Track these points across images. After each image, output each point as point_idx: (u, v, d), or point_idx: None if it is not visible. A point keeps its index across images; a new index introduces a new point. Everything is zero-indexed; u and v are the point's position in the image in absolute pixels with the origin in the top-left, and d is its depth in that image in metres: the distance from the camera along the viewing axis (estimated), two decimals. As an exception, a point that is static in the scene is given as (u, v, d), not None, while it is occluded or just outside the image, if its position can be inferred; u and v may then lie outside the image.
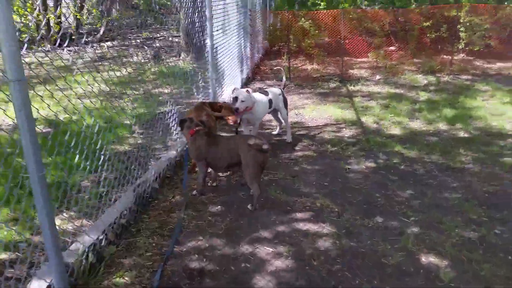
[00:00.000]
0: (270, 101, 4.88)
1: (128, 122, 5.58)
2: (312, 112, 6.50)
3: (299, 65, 10.15)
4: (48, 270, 2.22)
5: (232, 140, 3.59)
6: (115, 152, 4.63)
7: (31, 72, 7.26)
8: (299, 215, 3.39)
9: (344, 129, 5.68)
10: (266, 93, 4.92)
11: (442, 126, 5.70)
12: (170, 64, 9.20)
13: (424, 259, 2.83)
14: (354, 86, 8.16)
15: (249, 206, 3.49)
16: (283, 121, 5.28)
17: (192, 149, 3.63)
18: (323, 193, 3.76)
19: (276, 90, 5.13)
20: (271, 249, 2.93)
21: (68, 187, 3.38)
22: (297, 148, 4.97)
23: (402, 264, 2.78)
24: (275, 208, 3.51)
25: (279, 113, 5.23)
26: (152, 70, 9.16)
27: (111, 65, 9.46)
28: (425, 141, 5.10)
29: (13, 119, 2.01)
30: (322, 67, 9.83)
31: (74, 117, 5.54)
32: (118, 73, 6.39)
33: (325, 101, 7.13)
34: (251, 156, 3.37)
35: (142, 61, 10.06)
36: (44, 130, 5.23)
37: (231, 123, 4.98)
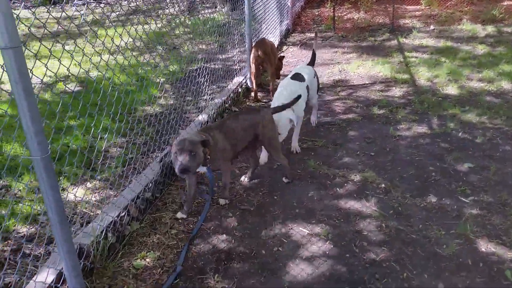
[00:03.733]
0: (307, 87, 3.69)
1: (160, 80, 5.31)
2: (357, 68, 5.93)
3: (344, 14, 9.34)
4: (57, 257, 2.04)
5: (244, 118, 2.96)
6: (145, 114, 4.40)
7: (60, 28, 7.16)
8: (340, 190, 3.05)
9: (393, 88, 5.11)
10: (301, 78, 3.67)
11: (506, 85, 4.98)
12: (205, 16, 8.73)
13: (485, 249, 2.43)
14: (405, 37, 7.37)
15: (284, 179, 3.17)
16: (313, 107, 4.09)
17: (218, 156, 2.76)
18: (369, 165, 3.37)
19: (309, 71, 3.84)
20: (306, 231, 2.63)
21: (94, 153, 3.21)
22: (339, 110, 4.52)
23: (459, 254, 2.40)
24: (313, 182, 3.18)
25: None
26: (187, 22, 8.74)
27: (146, 18, 9.14)
28: (486, 103, 4.47)
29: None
30: (370, 16, 8.99)
31: (107, 75, 5.36)
32: (152, 27, 6.04)
33: (373, 55, 6.48)
34: (270, 129, 2.99)
35: (177, 12, 9.61)
36: (75, 89, 5.08)
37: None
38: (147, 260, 2.40)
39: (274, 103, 3.39)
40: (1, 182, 3.15)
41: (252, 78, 4.82)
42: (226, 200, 2.92)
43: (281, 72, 5.18)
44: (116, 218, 2.42)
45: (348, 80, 5.49)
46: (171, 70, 5.02)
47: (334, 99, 4.85)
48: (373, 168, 3.31)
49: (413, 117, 4.23)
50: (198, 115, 4.00)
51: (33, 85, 1.72)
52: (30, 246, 2.43)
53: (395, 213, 2.77)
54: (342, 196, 2.97)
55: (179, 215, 2.80)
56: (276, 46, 5.98)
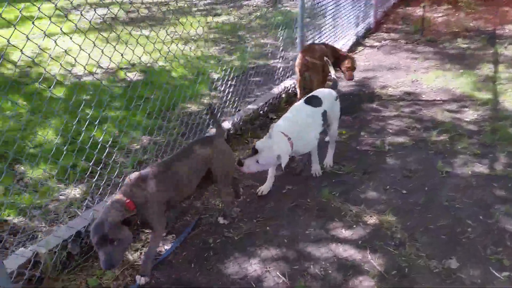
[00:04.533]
0: (323, 114, 3.06)
1: (216, 76, 5.17)
2: (434, 80, 5.16)
3: (440, 15, 8.26)
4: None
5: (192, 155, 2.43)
6: (182, 112, 4.30)
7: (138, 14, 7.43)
8: (345, 233, 2.61)
9: (467, 109, 4.33)
10: (317, 103, 3.05)
11: None
12: (286, 9, 8.41)
13: None
14: (505, 48, 6.24)
15: (220, 219, 2.71)
16: (329, 137, 3.38)
17: (150, 213, 2.20)
18: (394, 206, 2.84)
19: (329, 94, 3.20)
20: (283, 278, 2.27)
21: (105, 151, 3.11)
22: (390, 130, 3.94)
23: None
24: (319, 216, 2.78)
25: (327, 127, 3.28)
26: (267, 16, 8.52)
27: (230, 8, 9.14)
28: None
29: None
30: (470, 19, 7.82)
31: (168, 67, 5.40)
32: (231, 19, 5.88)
33: (458, 66, 5.60)
34: (223, 162, 2.54)
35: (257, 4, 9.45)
36: (135, 78, 5.14)
37: (347, 79, 4.52)
38: (104, 278, 2.27)
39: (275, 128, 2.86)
40: None
41: (297, 85, 4.45)
42: (145, 278, 2.21)
43: (353, 75, 4.58)
44: (82, 228, 2.34)
45: (418, 94, 4.80)
46: (231, 66, 4.76)
47: (391, 116, 4.26)
48: (397, 211, 2.78)
49: (475, 150, 3.50)
50: (223, 121, 3.77)
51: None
52: None
53: (398, 275, 2.26)
54: (344, 241, 2.54)
55: None
56: (341, 48, 5.46)
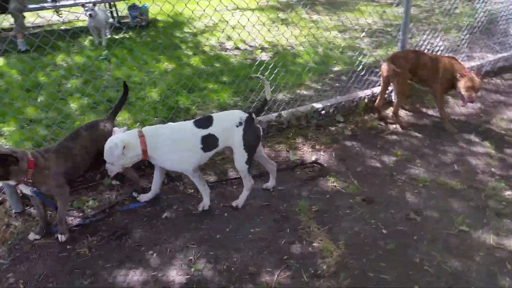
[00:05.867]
0: (207, 137, 2.67)
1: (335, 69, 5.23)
2: None
3: None
4: None
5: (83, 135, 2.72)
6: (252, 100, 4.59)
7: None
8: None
9: None
10: (204, 124, 2.67)
11: None
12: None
13: None
14: None
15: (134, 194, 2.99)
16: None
17: (50, 181, 2.52)
18: (353, 240, 2.61)
19: (230, 117, 2.74)
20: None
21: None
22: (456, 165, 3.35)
23: None
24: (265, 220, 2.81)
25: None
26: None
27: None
28: None
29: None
30: None
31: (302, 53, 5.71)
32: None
33: None
34: None
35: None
36: (264, 58, 5.64)
37: (465, 101, 3.73)
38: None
39: None
40: None
41: (380, 93, 4.16)
42: (63, 236, 2.56)
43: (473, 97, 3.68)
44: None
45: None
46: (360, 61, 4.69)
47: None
48: (353, 246, 2.56)
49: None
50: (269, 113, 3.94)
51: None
52: None
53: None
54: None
55: (31, 236, 2.63)
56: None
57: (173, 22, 7.65)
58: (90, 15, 6.41)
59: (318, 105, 4.08)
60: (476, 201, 2.98)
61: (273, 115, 3.88)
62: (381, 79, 4.07)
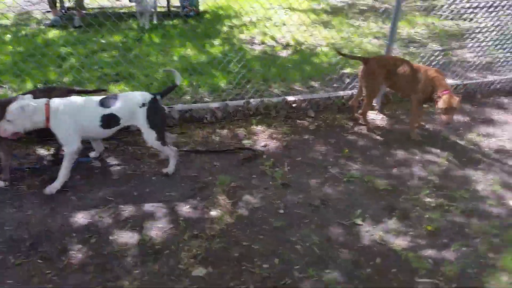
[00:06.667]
0: (109, 116, 2.95)
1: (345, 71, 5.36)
2: None
3: None
4: None
5: None
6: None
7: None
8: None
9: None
10: (109, 103, 2.95)
11: None
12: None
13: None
14: None
15: None
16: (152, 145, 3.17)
17: None
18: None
19: (133, 99, 3.02)
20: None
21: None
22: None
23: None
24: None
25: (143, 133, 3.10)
26: None
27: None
28: None
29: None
30: None
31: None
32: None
33: None
34: None
35: None
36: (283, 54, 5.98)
37: (442, 124, 3.76)
38: None
39: None
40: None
41: (357, 93, 4.26)
42: (3, 183, 3.00)
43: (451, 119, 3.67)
44: None
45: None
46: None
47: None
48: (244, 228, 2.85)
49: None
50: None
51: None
52: None
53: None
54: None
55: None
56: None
57: (219, 15, 8.22)
58: (137, 1, 7.19)
59: (290, 98, 4.31)
60: (390, 201, 3.06)
61: (241, 101, 4.19)
62: (358, 79, 4.17)
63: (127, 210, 2.88)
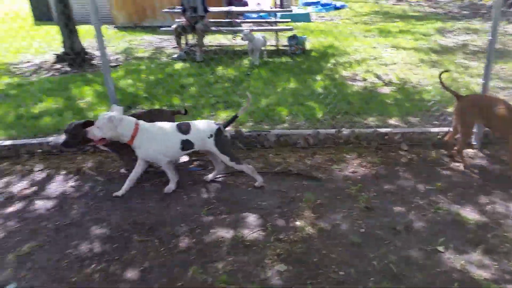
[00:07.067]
0: (185, 142, 3.49)
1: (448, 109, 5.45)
2: None
3: None
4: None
5: None
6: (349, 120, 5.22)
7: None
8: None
9: None
10: (185, 130, 3.51)
11: None
12: None
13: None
14: None
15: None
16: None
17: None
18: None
19: (203, 128, 3.52)
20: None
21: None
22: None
23: None
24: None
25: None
26: None
27: None
28: None
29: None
30: None
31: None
32: None
33: None
34: None
35: None
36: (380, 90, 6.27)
37: None
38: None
39: None
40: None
41: (453, 129, 4.28)
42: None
43: None
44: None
45: None
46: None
47: None
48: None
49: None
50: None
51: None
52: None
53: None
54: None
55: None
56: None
57: (326, 53, 8.77)
58: (248, 39, 8.08)
59: (382, 130, 4.51)
60: (477, 235, 3.05)
61: (333, 130, 4.51)
62: (453, 116, 4.22)
63: (225, 212, 3.36)
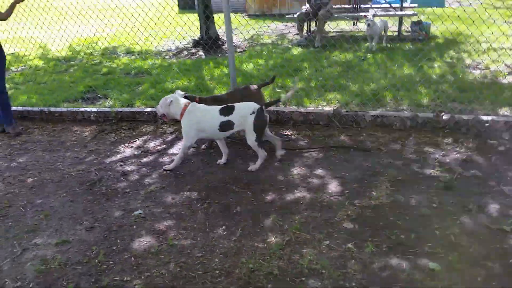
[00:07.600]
0: (226, 122, 3.89)
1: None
2: None
3: None
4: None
5: None
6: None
7: None
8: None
9: None
10: (228, 112, 3.90)
11: None
12: None
13: None
14: None
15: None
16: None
17: None
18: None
19: (246, 108, 3.90)
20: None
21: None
22: None
23: None
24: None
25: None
26: None
27: None
28: None
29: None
30: None
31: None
32: None
33: None
34: None
35: None
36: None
37: None
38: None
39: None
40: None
41: None
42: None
43: None
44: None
45: None
46: None
47: None
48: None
49: None
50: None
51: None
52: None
53: (322, 204, 3.50)
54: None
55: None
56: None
57: (452, 40, 8.44)
58: (368, 25, 8.23)
59: (483, 117, 4.43)
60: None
61: (431, 114, 4.60)
62: None
63: (310, 178, 3.88)
